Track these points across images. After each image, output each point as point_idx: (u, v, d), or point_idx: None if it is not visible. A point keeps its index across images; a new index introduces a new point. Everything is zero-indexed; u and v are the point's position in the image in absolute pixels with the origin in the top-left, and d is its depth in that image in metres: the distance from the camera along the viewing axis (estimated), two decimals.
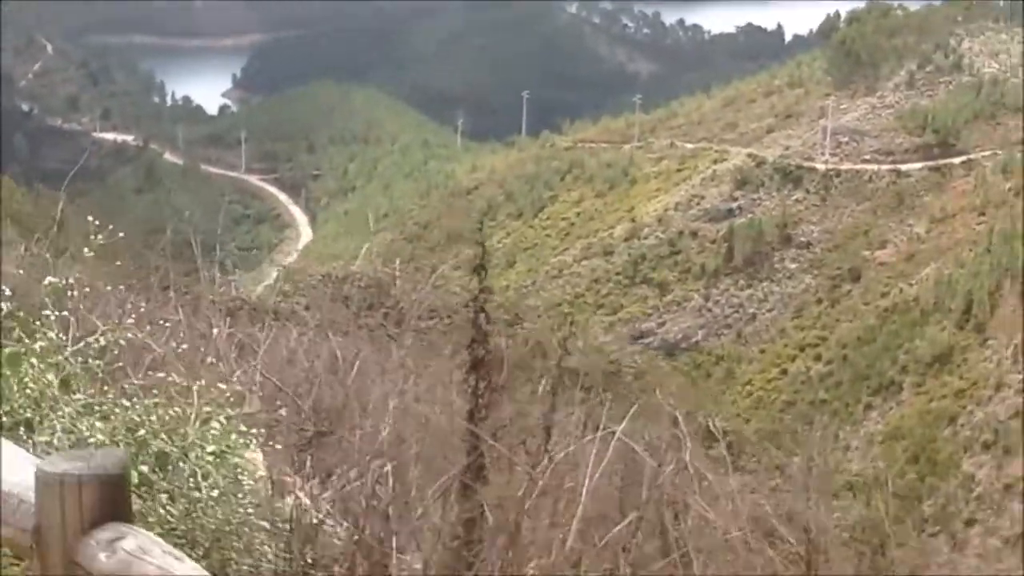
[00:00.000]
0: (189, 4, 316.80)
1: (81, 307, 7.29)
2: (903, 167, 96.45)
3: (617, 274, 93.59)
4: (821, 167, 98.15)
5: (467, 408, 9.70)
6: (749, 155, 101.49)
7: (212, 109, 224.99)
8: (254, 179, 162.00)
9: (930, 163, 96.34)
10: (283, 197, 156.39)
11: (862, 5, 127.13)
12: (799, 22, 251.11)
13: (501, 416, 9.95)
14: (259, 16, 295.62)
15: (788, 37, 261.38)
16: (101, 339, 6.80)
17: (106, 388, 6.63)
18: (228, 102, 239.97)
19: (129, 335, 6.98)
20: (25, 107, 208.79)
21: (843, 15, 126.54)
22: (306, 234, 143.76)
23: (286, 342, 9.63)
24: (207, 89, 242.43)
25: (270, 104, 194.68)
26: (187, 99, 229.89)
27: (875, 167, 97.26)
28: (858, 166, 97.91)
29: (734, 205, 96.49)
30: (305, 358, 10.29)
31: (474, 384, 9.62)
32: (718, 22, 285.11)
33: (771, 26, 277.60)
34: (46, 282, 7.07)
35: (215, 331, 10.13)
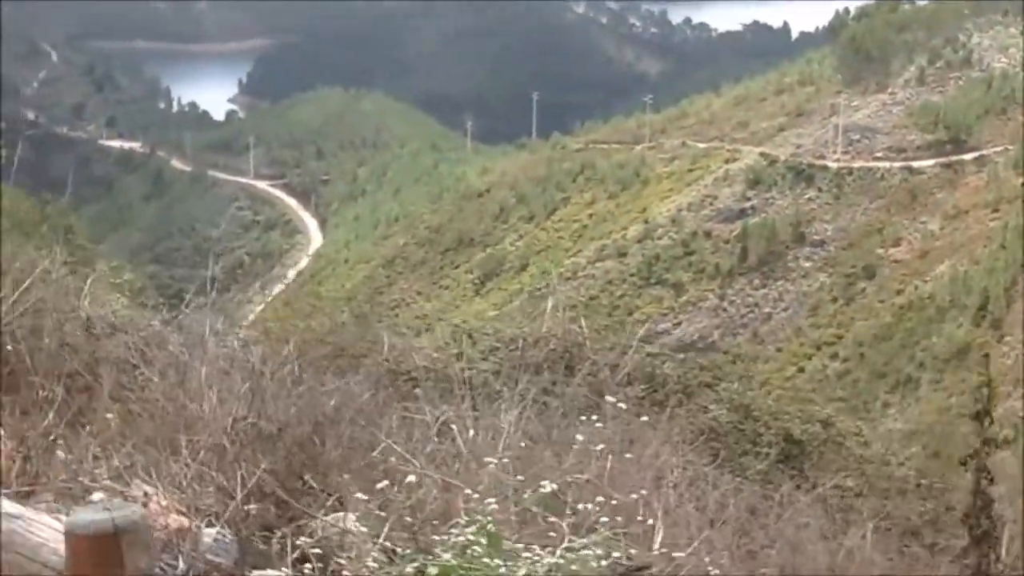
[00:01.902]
0: (192, 6, 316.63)
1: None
2: (915, 164, 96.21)
3: (631, 275, 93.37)
4: (833, 165, 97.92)
5: None
6: (761, 154, 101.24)
7: (219, 115, 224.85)
8: (263, 185, 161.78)
9: (942, 160, 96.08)
10: (293, 203, 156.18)
11: (871, 1, 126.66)
12: (805, 19, 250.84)
13: None
14: (263, 20, 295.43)
15: (795, 34, 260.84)
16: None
17: None
18: (235, 107, 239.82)
19: None
20: (30, 115, 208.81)
21: (851, 12, 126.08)
22: (317, 239, 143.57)
23: (519, 428, 8.66)
24: (213, 94, 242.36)
25: (278, 109, 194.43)
26: (193, 105, 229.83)
27: (887, 164, 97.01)
28: (870, 164, 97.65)
29: (747, 205, 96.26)
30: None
31: None
32: (724, 20, 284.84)
33: (777, 24, 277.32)
34: None
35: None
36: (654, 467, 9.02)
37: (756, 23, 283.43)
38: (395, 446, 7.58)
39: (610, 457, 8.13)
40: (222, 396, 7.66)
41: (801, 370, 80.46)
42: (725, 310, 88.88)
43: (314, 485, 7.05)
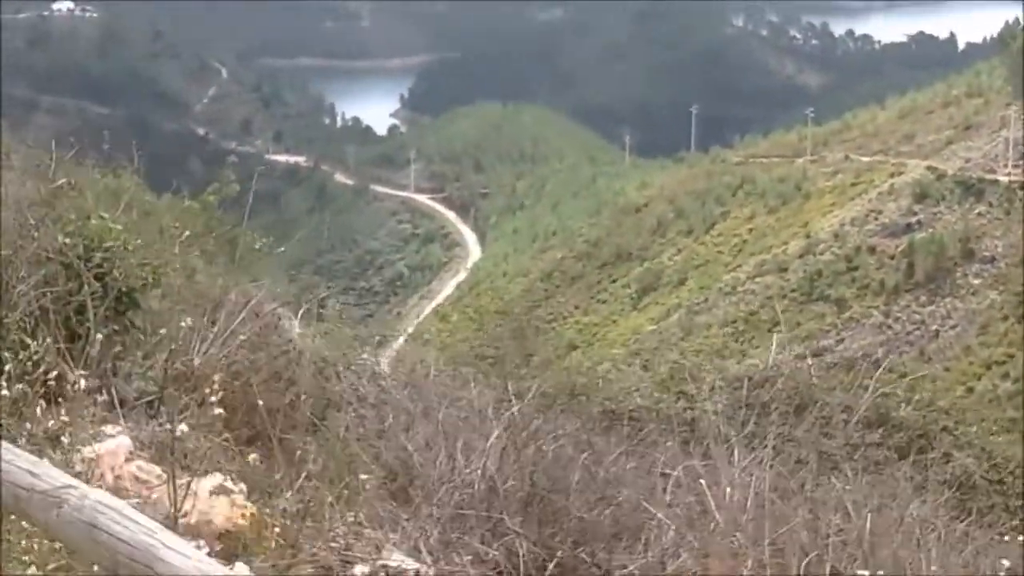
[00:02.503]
0: (356, 25, 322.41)
1: None
2: None
3: (793, 291, 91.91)
4: (1004, 179, 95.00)
5: None
6: (928, 168, 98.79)
7: (381, 129, 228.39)
8: (423, 198, 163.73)
9: None
10: (451, 216, 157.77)
11: None
12: (972, 29, 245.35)
13: None
14: (424, 37, 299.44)
15: (961, 45, 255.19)
16: None
17: None
18: (396, 122, 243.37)
19: None
20: (200, 131, 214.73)
21: (1022, 21, 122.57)
22: (475, 252, 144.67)
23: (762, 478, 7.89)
24: (375, 110, 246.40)
25: (438, 124, 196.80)
26: (356, 120, 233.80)
27: None
28: None
29: (913, 220, 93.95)
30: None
31: None
32: (888, 31, 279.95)
33: (943, 34, 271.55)
34: None
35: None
36: (911, 524, 8.26)
37: (921, 34, 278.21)
38: (652, 507, 7.14)
39: (868, 515, 7.50)
40: (449, 443, 7.32)
41: (971, 390, 78.11)
42: (890, 327, 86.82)
43: (583, 557, 6.61)
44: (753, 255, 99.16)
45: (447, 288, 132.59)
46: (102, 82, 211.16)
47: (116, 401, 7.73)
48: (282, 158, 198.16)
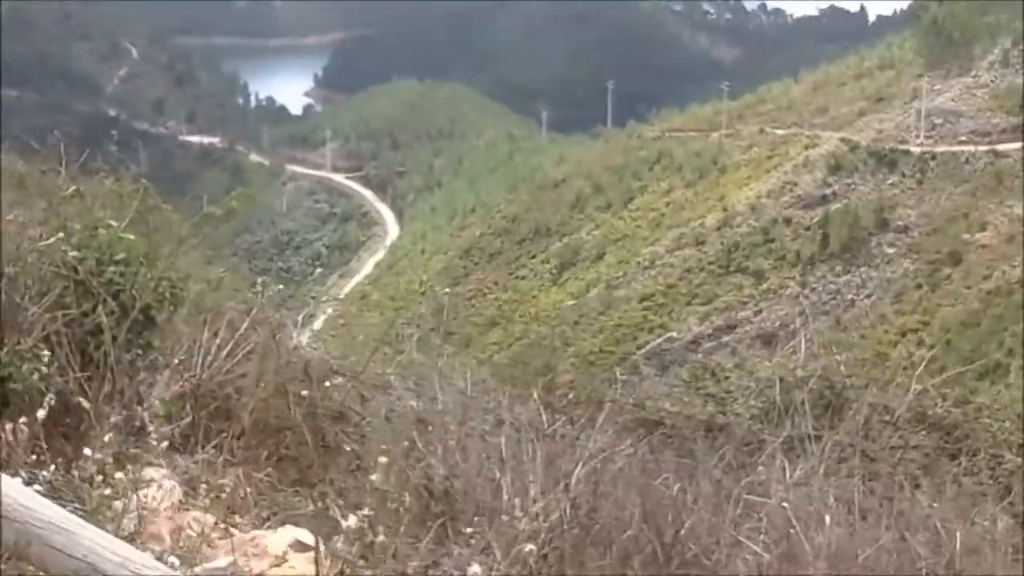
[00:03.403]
0: (269, 4, 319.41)
1: None
2: (1000, 147, 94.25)
3: (710, 263, 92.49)
4: (916, 150, 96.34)
5: None
6: (842, 140, 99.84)
7: (296, 109, 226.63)
8: (340, 177, 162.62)
9: None
10: (369, 195, 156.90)
11: None
12: (882, 2, 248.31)
13: None
14: (339, 14, 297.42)
15: (872, 18, 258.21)
16: None
17: None
18: (311, 101, 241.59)
19: None
20: (112, 112, 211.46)
21: None
22: (393, 231, 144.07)
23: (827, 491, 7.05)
24: (290, 89, 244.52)
25: (354, 102, 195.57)
26: (271, 99, 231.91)
27: (972, 148, 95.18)
28: (954, 148, 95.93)
29: (828, 191, 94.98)
30: None
31: None
32: (799, 5, 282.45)
33: (854, 7, 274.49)
34: None
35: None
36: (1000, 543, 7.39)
37: (832, 7, 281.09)
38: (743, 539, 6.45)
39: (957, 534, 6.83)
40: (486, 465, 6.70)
41: (885, 358, 79.18)
42: (807, 297, 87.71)
43: None
44: (671, 229, 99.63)
45: (366, 267, 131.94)
46: (12, 65, 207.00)
47: (146, 435, 7.03)
48: (196, 139, 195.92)
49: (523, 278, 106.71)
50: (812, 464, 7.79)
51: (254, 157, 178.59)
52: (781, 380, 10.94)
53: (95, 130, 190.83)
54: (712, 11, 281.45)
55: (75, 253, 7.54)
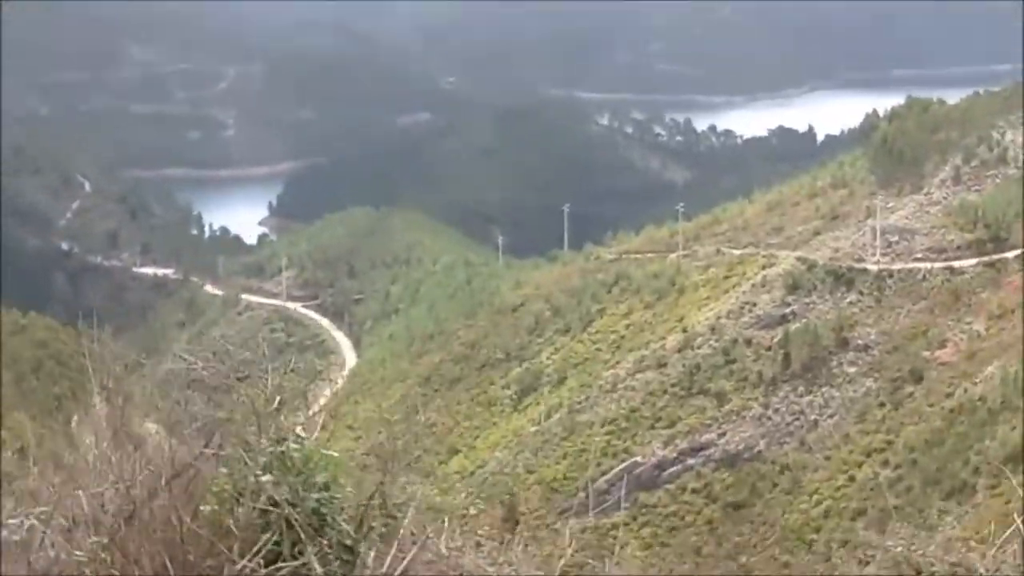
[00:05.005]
0: (221, 134, 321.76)
1: None
2: (956, 264, 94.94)
3: (673, 386, 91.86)
4: (873, 268, 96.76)
5: None
6: (799, 259, 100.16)
7: (250, 238, 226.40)
8: (296, 306, 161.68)
9: (983, 259, 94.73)
10: (326, 323, 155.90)
11: (900, 102, 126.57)
12: (828, 121, 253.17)
13: None
14: (290, 143, 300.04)
15: (820, 137, 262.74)
16: None
17: None
18: (266, 230, 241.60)
19: None
20: (64, 246, 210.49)
21: (882, 113, 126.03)
22: (351, 359, 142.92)
23: None
24: (244, 218, 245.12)
25: (309, 231, 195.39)
26: (224, 229, 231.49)
27: (928, 265, 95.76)
28: (910, 265, 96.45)
29: (787, 310, 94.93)
30: None
31: None
32: (749, 126, 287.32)
33: (802, 127, 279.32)
34: None
35: None
36: None
37: (781, 128, 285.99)
38: None
39: None
40: None
41: (852, 479, 78.53)
42: (770, 418, 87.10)
43: None
44: (632, 351, 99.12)
45: (323, 397, 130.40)
46: None
47: None
48: (150, 270, 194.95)
49: (484, 404, 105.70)
50: None
51: (209, 288, 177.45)
52: None
53: (47, 265, 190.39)
54: (663, 133, 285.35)
55: (268, 477, 6.14)
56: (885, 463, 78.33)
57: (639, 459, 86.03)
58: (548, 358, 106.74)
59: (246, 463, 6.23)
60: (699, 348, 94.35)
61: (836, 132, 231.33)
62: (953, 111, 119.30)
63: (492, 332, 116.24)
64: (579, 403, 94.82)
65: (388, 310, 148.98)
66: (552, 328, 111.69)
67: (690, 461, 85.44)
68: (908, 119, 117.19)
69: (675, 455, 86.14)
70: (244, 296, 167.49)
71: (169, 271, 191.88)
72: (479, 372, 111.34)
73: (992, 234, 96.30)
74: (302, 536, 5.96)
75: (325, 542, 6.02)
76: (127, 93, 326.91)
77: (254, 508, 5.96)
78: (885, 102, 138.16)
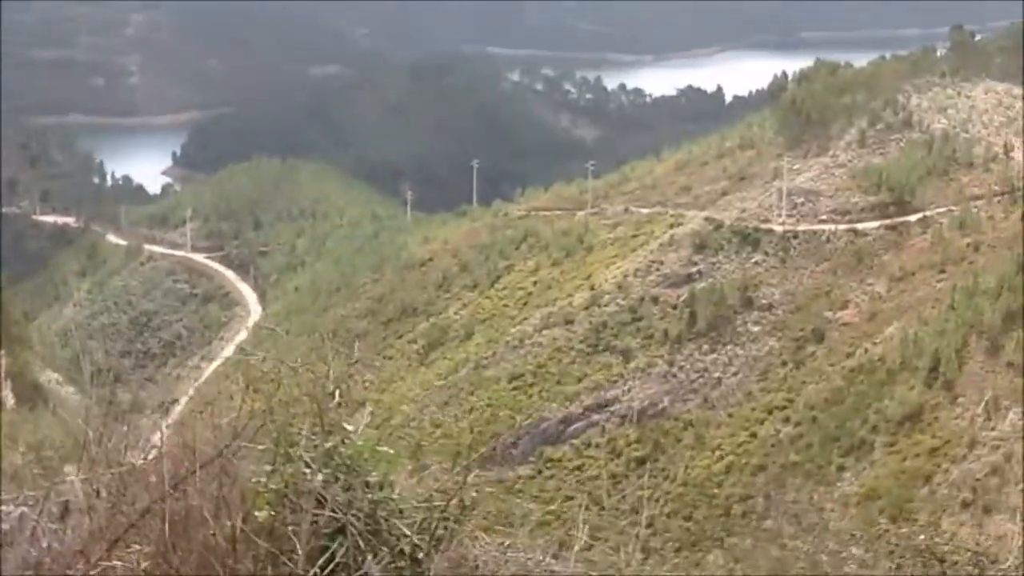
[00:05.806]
0: (125, 82, 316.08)
1: None
2: (860, 226, 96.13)
3: (580, 342, 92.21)
4: (779, 229, 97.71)
5: None
6: (706, 218, 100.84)
7: (154, 188, 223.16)
8: (200, 257, 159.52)
9: (886, 221, 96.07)
10: (231, 275, 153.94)
11: (809, 64, 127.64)
12: (737, 82, 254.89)
13: None
14: (196, 92, 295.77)
15: (728, 97, 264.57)
16: None
17: None
18: (170, 180, 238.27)
19: None
20: None
21: (790, 75, 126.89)
22: (256, 311, 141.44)
23: None
24: (148, 168, 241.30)
25: (213, 181, 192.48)
26: (127, 179, 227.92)
27: (832, 227, 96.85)
28: (815, 227, 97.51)
29: (694, 269, 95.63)
30: None
31: None
32: (658, 85, 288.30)
33: (711, 87, 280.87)
34: None
35: None
36: None
37: (690, 87, 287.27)
38: None
39: None
40: None
41: (754, 435, 79.53)
42: (675, 376, 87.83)
43: None
44: (539, 308, 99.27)
45: (228, 349, 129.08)
46: None
47: None
48: (50, 219, 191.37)
49: (390, 358, 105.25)
50: None
51: (111, 237, 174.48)
52: None
53: None
54: (574, 91, 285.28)
55: (321, 477, 5.67)
56: (786, 420, 79.45)
57: (545, 414, 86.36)
58: (455, 313, 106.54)
59: (290, 459, 5.76)
60: (606, 306, 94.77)
61: (744, 93, 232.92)
62: (860, 74, 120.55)
63: (399, 287, 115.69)
64: (486, 359, 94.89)
65: (294, 263, 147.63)
66: (460, 284, 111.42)
67: (595, 417, 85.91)
68: (816, 81, 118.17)
69: (580, 411, 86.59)
70: (147, 246, 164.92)
71: (70, 220, 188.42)
72: (385, 327, 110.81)
73: (895, 197, 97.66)
74: (360, 543, 5.51)
75: (386, 550, 5.59)
76: (28, 38, 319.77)
77: (310, 511, 5.48)
78: (794, 64, 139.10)
